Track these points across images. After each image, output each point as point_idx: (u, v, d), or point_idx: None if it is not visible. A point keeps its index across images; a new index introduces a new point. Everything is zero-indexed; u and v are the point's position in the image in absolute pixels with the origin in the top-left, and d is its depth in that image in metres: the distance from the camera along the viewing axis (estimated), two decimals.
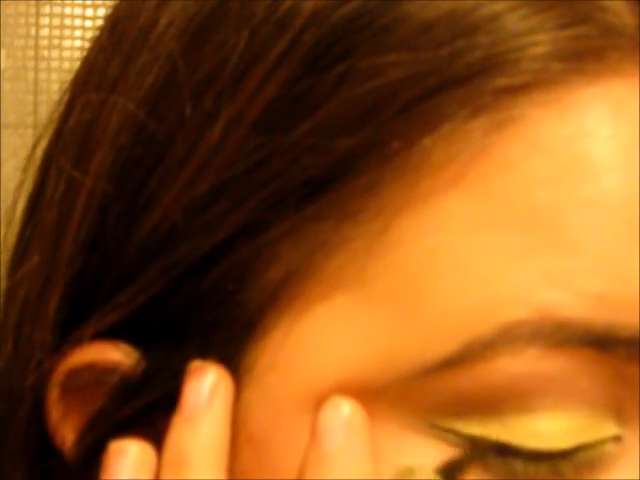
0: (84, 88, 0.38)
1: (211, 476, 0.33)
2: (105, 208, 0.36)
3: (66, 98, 0.40)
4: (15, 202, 0.41)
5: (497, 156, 0.31)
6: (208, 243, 0.34)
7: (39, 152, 0.40)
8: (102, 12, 1.16)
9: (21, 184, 0.41)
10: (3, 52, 1.16)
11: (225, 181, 0.33)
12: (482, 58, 0.31)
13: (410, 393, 0.32)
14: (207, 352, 0.34)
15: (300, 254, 0.33)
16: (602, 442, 0.32)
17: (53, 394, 0.36)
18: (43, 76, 1.15)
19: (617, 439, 0.33)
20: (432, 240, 0.32)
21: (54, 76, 1.14)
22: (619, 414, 0.33)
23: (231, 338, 0.34)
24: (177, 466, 0.33)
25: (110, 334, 0.35)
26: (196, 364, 0.34)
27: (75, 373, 0.36)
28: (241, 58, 0.33)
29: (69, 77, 0.41)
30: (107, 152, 0.36)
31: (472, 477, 0.32)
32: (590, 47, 0.32)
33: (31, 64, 1.16)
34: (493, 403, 0.32)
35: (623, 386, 0.32)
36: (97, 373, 0.35)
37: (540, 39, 0.31)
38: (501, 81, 0.31)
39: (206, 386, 0.33)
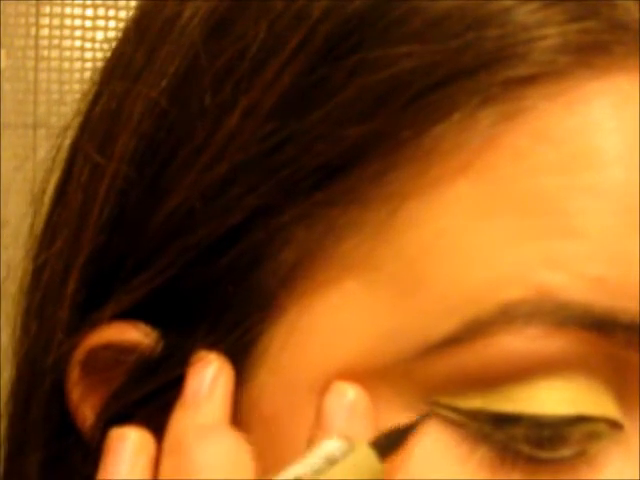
0: (110, 78, 0.39)
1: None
2: (126, 192, 0.37)
3: (93, 89, 0.41)
4: (43, 191, 0.42)
5: (504, 145, 0.32)
6: (224, 226, 0.34)
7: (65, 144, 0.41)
8: (102, 12, 1.17)
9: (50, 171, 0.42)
10: (3, 52, 1.16)
11: (240, 166, 0.34)
12: (492, 50, 0.32)
13: (412, 373, 0.33)
14: (220, 333, 0.35)
15: (312, 238, 0.34)
16: (603, 419, 0.33)
17: (74, 374, 0.37)
18: (43, 76, 1.15)
19: (618, 426, 0.33)
20: (438, 224, 0.33)
21: (54, 76, 1.14)
22: (621, 403, 0.33)
23: (244, 320, 0.35)
24: (177, 452, 0.34)
25: (130, 315, 0.36)
26: (199, 354, 0.35)
27: (95, 353, 0.37)
28: (259, 49, 0.34)
29: (69, 77, 0.42)
30: (130, 138, 0.37)
31: (468, 448, 0.33)
32: (597, 41, 0.33)
33: (31, 64, 1.16)
34: (493, 379, 0.32)
35: (624, 373, 0.33)
36: (116, 353, 0.36)
37: (549, 32, 0.32)
38: (510, 73, 0.32)
39: (208, 376, 0.34)
